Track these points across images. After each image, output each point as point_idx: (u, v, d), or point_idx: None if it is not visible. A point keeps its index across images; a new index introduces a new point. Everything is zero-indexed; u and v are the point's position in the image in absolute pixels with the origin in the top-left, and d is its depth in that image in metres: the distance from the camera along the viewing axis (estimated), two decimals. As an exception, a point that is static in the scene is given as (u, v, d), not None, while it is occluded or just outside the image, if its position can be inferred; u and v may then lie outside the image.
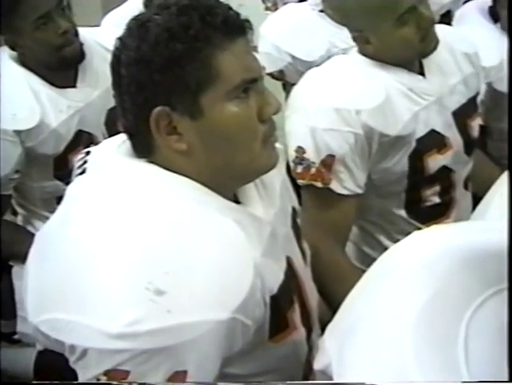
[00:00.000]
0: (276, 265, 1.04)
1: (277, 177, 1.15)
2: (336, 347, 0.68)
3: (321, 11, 2.37)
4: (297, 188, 1.51)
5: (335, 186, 1.50)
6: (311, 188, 1.52)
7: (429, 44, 1.51)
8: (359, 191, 1.54)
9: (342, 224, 1.55)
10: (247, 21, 0.98)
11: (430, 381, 0.56)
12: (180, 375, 0.87)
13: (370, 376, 0.61)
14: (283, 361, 1.06)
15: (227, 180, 1.02)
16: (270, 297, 0.99)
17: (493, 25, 1.96)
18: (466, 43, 1.69)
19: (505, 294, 0.60)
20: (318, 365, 0.71)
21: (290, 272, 1.09)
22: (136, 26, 0.95)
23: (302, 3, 2.48)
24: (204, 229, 0.93)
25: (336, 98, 1.48)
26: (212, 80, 0.94)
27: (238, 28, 0.97)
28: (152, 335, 0.84)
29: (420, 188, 1.62)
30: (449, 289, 0.62)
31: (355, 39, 1.55)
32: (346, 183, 1.51)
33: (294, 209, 1.23)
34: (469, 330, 0.58)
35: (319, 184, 1.50)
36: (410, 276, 0.66)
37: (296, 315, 1.08)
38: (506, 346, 0.57)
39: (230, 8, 0.97)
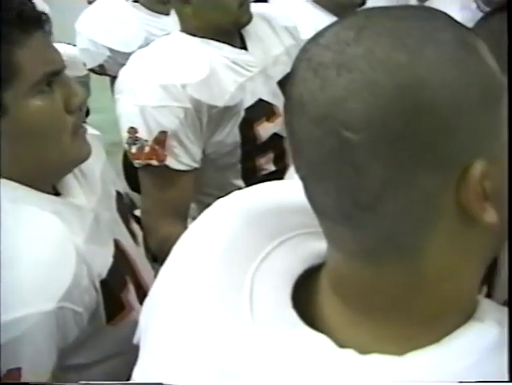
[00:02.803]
0: (103, 249, 1.04)
1: (96, 164, 1.14)
2: (144, 320, 0.70)
3: (135, 1, 2.36)
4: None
5: (170, 162, 1.50)
6: (148, 168, 1.51)
7: (245, 13, 1.55)
8: (196, 165, 1.55)
9: (181, 201, 1.56)
10: (44, 13, 0.96)
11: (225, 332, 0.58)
12: (14, 373, 0.85)
13: (168, 346, 0.62)
14: (127, 343, 1.05)
15: (42, 175, 0.99)
16: (100, 282, 0.99)
17: (305, 0, 2.04)
18: (285, 18, 1.75)
19: (288, 244, 0.64)
20: (135, 339, 0.72)
21: (120, 254, 1.09)
22: None
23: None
24: (19, 226, 0.90)
25: (161, 75, 1.47)
26: (13, 77, 0.91)
27: (35, 22, 0.94)
28: None
29: (255, 157, 1.65)
30: (237, 245, 0.64)
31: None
32: (181, 158, 1.51)
33: (118, 193, 1.22)
34: (254, 282, 0.61)
35: (155, 162, 1.49)
36: (203, 238, 0.68)
37: (131, 295, 1.08)
38: (290, 293, 0.60)
39: (24, 1, 0.93)
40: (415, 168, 0.49)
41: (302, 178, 0.55)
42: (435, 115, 0.49)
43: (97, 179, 1.13)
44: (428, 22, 0.51)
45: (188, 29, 1.57)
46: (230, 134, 1.58)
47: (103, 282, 0.99)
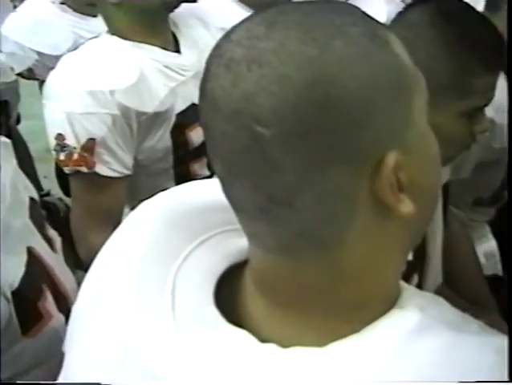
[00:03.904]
0: (13, 259, 1.02)
1: (5, 171, 1.12)
2: (70, 328, 0.69)
3: (62, 3, 2.32)
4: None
5: (100, 169, 1.47)
6: (78, 174, 1.48)
7: None
8: (127, 172, 1.52)
9: (112, 208, 1.53)
10: None
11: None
12: None
13: (92, 351, 0.62)
14: (49, 352, 1.03)
15: None
16: (12, 293, 0.97)
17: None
18: (220, 18, 1.73)
19: (210, 242, 0.64)
20: (64, 347, 0.70)
21: (34, 262, 1.07)
22: None
23: (41, -3, 2.41)
24: None
25: (89, 80, 1.44)
26: None
27: None
28: None
29: (188, 163, 1.64)
30: (159, 246, 0.64)
31: None
32: (111, 165, 1.48)
33: (32, 199, 1.20)
34: (176, 282, 0.61)
35: (84, 170, 1.46)
36: (126, 242, 0.68)
37: (49, 303, 1.07)
38: (212, 291, 0.60)
39: None
40: (328, 162, 0.50)
41: (219, 175, 0.55)
42: (345, 109, 0.49)
43: (6, 186, 1.10)
44: (338, 17, 0.52)
45: (118, 31, 1.54)
46: (161, 140, 1.56)
47: (16, 293, 0.97)
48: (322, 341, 0.54)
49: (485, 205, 1.86)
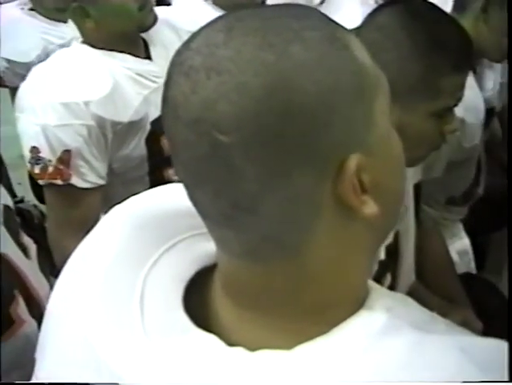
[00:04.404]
0: None
1: None
2: (42, 333, 0.69)
3: (31, 10, 2.30)
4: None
5: (76, 181, 1.47)
6: (53, 186, 1.48)
7: (148, 15, 1.54)
8: (102, 182, 1.52)
9: (88, 218, 1.52)
10: None
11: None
12: None
13: (62, 356, 0.62)
14: (21, 356, 1.04)
15: None
16: None
17: (205, 3, 2.04)
18: (190, 23, 1.72)
19: (179, 247, 0.64)
20: (36, 353, 0.70)
21: (7, 268, 1.08)
22: None
23: (8, 4, 2.38)
24: None
25: (63, 92, 1.44)
26: None
27: None
28: None
29: (163, 170, 1.64)
30: (128, 251, 0.64)
31: (74, 14, 1.51)
32: (87, 176, 1.48)
33: (7, 207, 1.20)
34: (145, 287, 0.61)
35: (60, 182, 1.46)
36: (95, 247, 0.68)
37: (21, 309, 1.07)
38: (181, 295, 0.60)
39: None
40: (289, 167, 0.50)
41: (183, 181, 0.55)
42: (304, 114, 0.49)
43: None
44: (297, 21, 0.52)
45: (90, 40, 1.54)
46: (137, 148, 1.56)
47: None
48: (289, 343, 0.54)
49: (458, 204, 1.89)
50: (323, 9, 2.37)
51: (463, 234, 1.95)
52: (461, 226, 1.95)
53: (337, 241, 0.55)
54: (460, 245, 1.92)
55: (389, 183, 0.57)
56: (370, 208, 0.53)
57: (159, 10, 1.61)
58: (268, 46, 0.50)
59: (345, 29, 0.55)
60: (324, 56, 0.51)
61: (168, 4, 2.15)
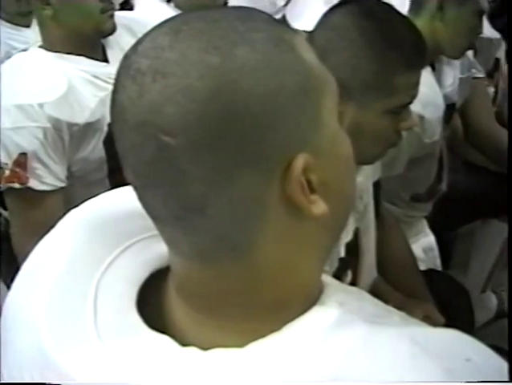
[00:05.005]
0: None
1: None
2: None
3: (-7, 15, 2.29)
4: None
5: (33, 184, 1.46)
6: (12, 191, 1.48)
7: (108, 20, 1.54)
8: (61, 184, 1.51)
9: (49, 221, 1.50)
10: None
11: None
12: None
13: (16, 360, 0.61)
14: None
15: None
16: None
17: (165, 4, 2.04)
18: (148, 25, 1.72)
19: (132, 249, 0.64)
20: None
21: None
22: None
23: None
24: None
25: (16, 95, 1.43)
26: None
27: None
28: None
29: (122, 171, 1.63)
30: (81, 255, 0.64)
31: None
32: (45, 178, 1.47)
33: None
34: (98, 290, 0.61)
35: (17, 185, 1.45)
36: (49, 251, 0.67)
37: None
38: (135, 298, 0.60)
39: None
40: (236, 168, 0.50)
41: (132, 184, 0.56)
42: (249, 115, 0.50)
43: None
44: (243, 23, 0.52)
45: (48, 41, 1.54)
46: (95, 150, 1.55)
47: None
48: (242, 343, 0.54)
49: (422, 201, 1.90)
50: (289, 10, 2.37)
51: (428, 231, 1.96)
52: (425, 223, 1.96)
53: (288, 240, 0.55)
54: (425, 241, 1.93)
55: (338, 182, 0.57)
56: (319, 207, 0.53)
57: (118, 14, 1.61)
58: (213, 48, 0.50)
59: (291, 30, 0.56)
60: (269, 58, 0.51)
61: (131, 9, 2.15)
